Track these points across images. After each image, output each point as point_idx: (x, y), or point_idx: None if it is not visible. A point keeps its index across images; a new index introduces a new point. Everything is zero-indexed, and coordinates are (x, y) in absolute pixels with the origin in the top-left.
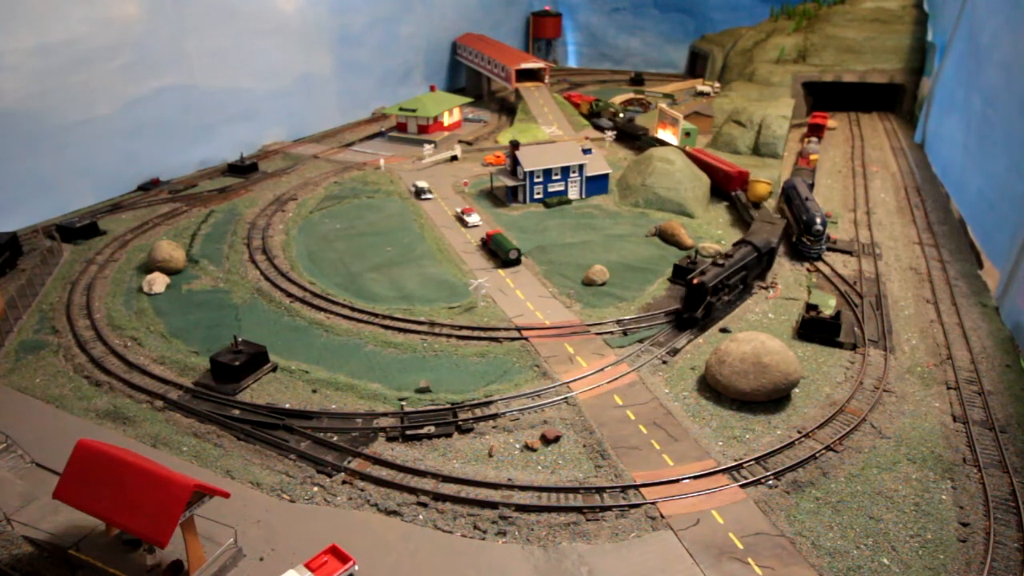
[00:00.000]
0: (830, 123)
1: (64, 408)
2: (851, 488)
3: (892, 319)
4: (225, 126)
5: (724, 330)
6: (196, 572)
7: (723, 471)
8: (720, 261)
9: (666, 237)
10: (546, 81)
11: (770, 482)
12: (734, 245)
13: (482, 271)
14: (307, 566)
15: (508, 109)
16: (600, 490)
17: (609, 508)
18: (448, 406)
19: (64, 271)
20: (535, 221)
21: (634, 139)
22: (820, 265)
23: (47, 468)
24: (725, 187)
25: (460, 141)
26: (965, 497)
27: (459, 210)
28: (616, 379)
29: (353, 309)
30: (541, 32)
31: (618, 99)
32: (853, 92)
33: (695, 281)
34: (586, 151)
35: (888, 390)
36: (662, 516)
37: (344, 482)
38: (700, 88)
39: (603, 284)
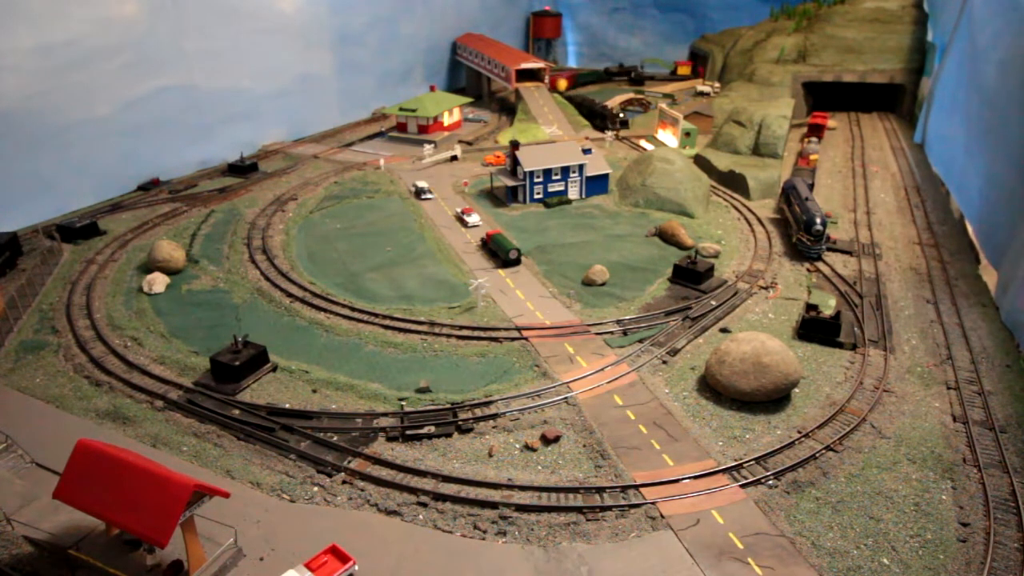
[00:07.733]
0: (830, 123)
1: (64, 408)
2: (851, 488)
3: (892, 319)
4: (225, 126)
5: (724, 330)
6: (196, 572)
7: (723, 471)
8: None
9: (666, 237)
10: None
11: (770, 482)
12: None
13: (482, 271)
14: (307, 566)
15: (508, 109)
16: (600, 490)
17: (609, 508)
18: (448, 406)
19: (64, 271)
20: (535, 221)
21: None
22: (820, 265)
23: (47, 468)
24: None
25: (460, 141)
26: (965, 497)
27: (459, 210)
28: (616, 379)
29: (353, 309)
30: (541, 32)
31: (618, 99)
32: (853, 92)
33: None
34: (586, 151)
35: (888, 390)
36: (662, 516)
37: (344, 482)
38: (700, 88)
39: (603, 284)
